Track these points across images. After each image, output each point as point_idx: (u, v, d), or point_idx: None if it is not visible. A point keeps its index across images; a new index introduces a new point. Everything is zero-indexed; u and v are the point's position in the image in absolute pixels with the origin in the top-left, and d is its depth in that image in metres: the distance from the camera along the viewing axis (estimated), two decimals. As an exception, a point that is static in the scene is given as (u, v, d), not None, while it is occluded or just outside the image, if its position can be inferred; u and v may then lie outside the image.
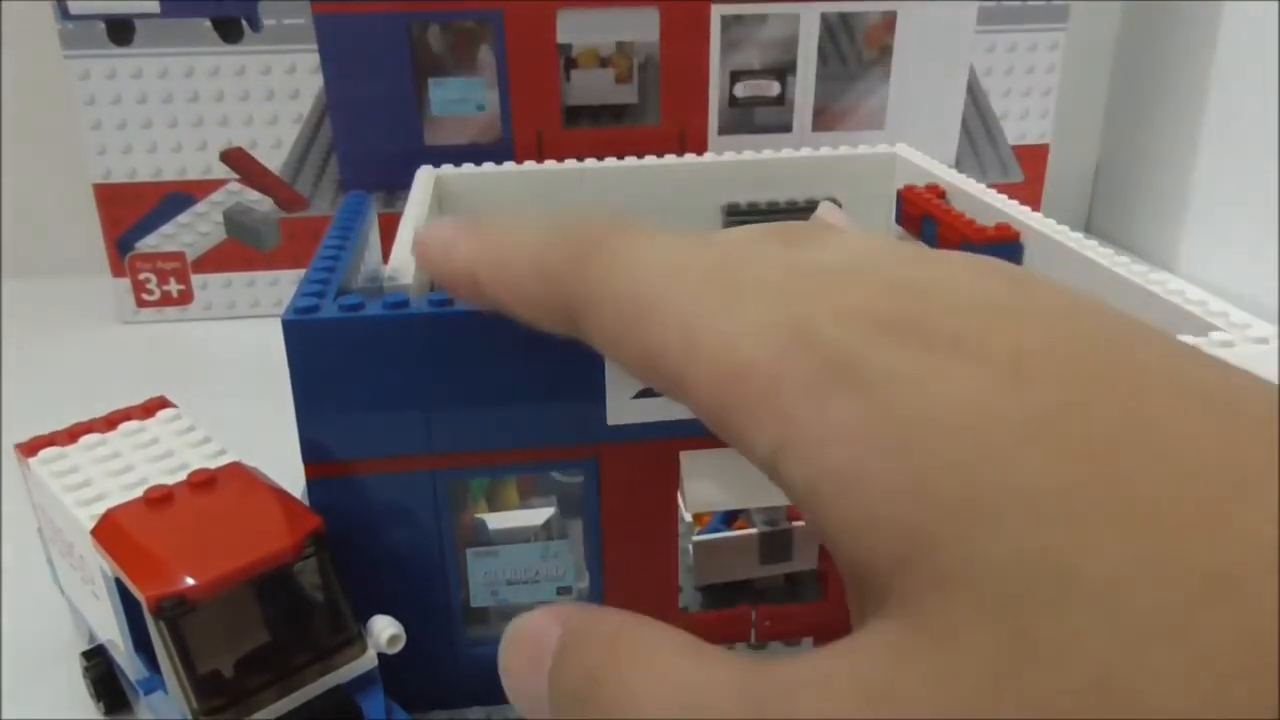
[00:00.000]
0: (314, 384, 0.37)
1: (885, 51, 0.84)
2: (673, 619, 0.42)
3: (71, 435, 0.43)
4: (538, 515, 0.48)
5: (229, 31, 0.78)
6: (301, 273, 0.91)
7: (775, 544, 0.47)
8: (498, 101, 0.80)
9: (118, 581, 0.36)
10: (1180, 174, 0.94)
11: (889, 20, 0.83)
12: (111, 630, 0.39)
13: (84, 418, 0.44)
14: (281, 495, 0.38)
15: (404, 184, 0.70)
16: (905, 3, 0.82)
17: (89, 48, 0.78)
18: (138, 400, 0.46)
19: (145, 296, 0.86)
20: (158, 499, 0.37)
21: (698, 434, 0.39)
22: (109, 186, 0.82)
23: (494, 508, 0.51)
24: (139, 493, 0.38)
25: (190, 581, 0.33)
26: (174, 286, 0.86)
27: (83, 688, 0.44)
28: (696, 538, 0.47)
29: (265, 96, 0.80)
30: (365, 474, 0.38)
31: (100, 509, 0.37)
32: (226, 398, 0.67)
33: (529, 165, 0.72)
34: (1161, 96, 0.96)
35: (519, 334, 0.37)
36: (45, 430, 0.43)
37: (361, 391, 0.37)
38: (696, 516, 0.49)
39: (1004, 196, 0.65)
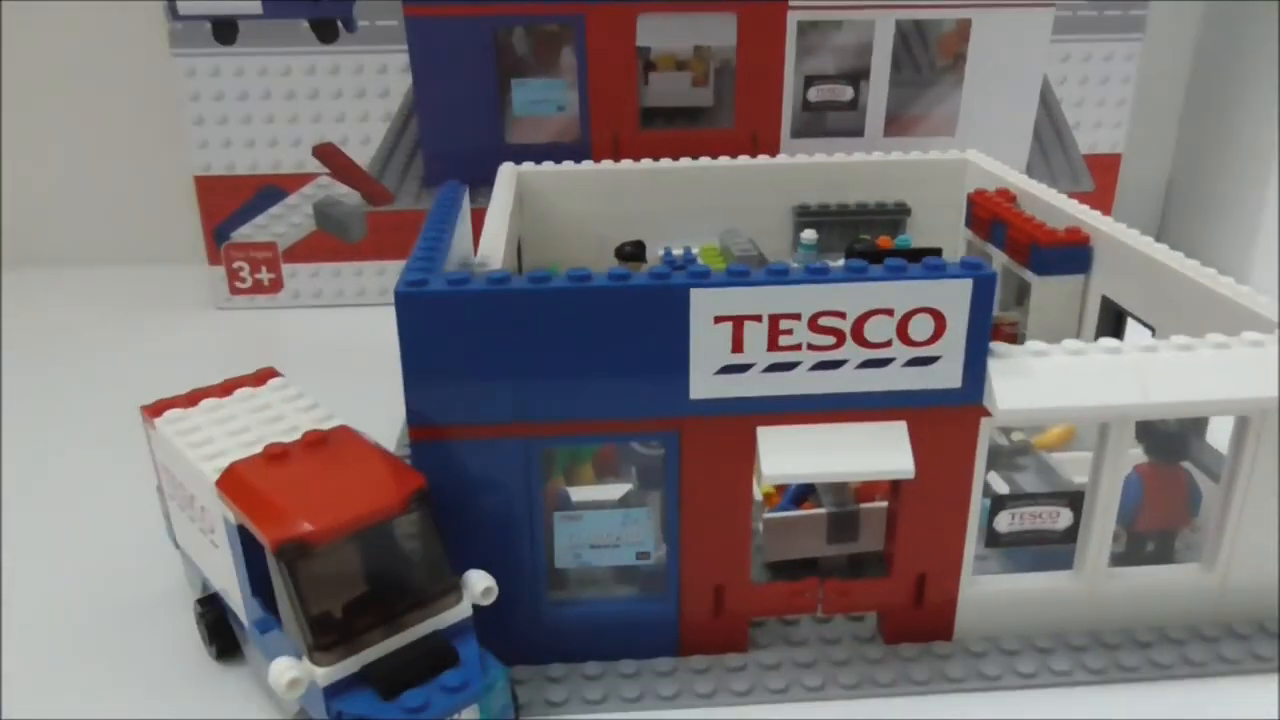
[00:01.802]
0: (421, 353, 0.40)
1: (959, 59, 0.85)
2: (743, 588, 0.45)
3: (191, 399, 0.47)
4: (615, 490, 0.50)
5: (325, 32, 0.83)
6: (385, 264, 0.95)
7: (843, 524, 0.49)
8: (577, 102, 0.82)
9: (240, 528, 0.39)
10: (1255, 188, 0.93)
11: (963, 28, 0.84)
12: (227, 577, 0.43)
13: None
14: (388, 456, 0.41)
15: (485, 179, 0.73)
16: (981, 11, 0.83)
17: (195, 46, 0.83)
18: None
19: (238, 284, 0.90)
20: (276, 455, 0.40)
21: (775, 410, 0.42)
22: (209, 179, 0.87)
23: (571, 485, 0.54)
24: (257, 450, 0.41)
25: (308, 527, 0.36)
26: (265, 275, 0.90)
27: (195, 634, 0.47)
28: (767, 515, 0.49)
29: (357, 95, 0.84)
30: (464, 439, 0.41)
31: (223, 463, 0.40)
32: (315, 378, 0.70)
33: (605, 164, 0.75)
34: (1238, 109, 0.96)
35: (611, 310, 0.40)
36: (152, 399, 0.47)
37: (464, 361, 0.40)
38: (766, 495, 0.51)
39: (1074, 201, 0.66)
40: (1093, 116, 0.89)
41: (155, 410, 0.46)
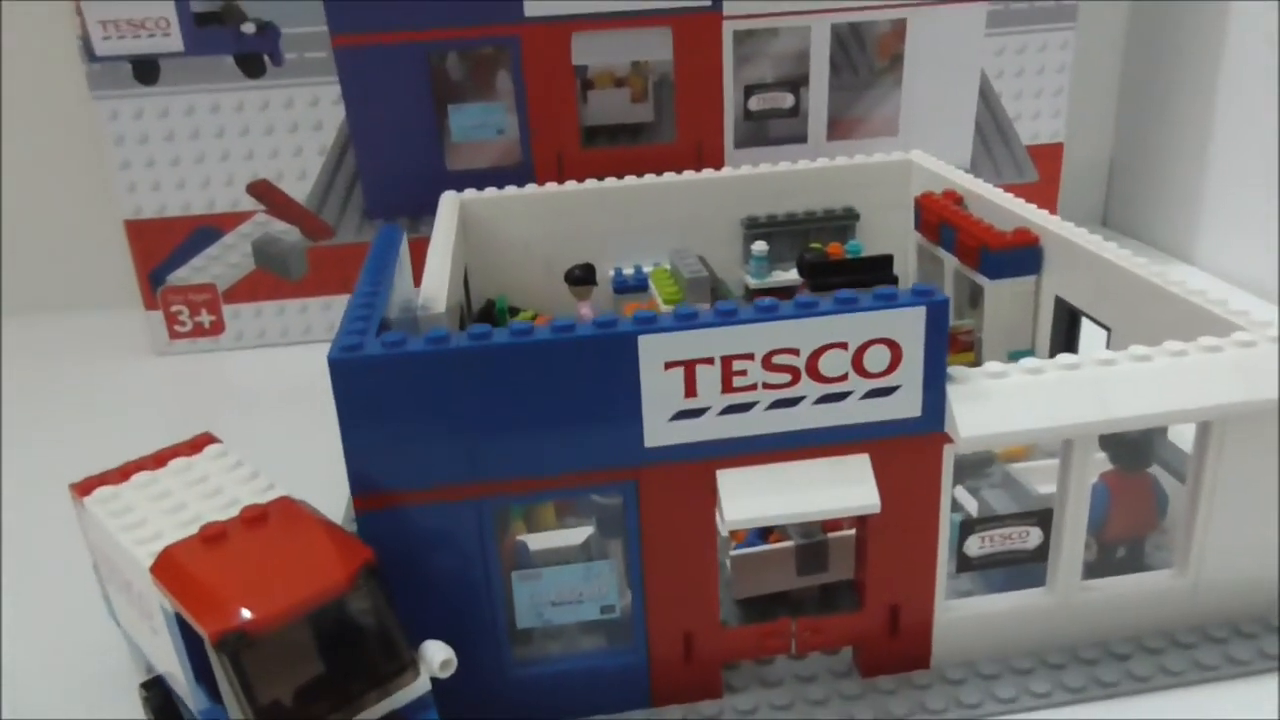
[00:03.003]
0: (361, 419, 0.38)
1: (896, 59, 0.85)
2: (714, 633, 0.43)
3: (123, 474, 0.44)
4: (576, 535, 0.49)
5: (252, 67, 0.80)
6: (329, 300, 0.92)
7: (812, 556, 0.48)
8: (517, 125, 0.81)
9: (178, 617, 0.37)
10: (1194, 165, 0.94)
11: (899, 29, 0.84)
12: (170, 662, 0.40)
13: (126, 450, 0.45)
14: (332, 528, 0.39)
15: (428, 209, 0.71)
16: (915, 9, 0.82)
17: (116, 88, 0.80)
18: (177, 431, 0.47)
19: (178, 328, 0.87)
20: (213, 536, 0.38)
21: (734, 452, 0.40)
22: (140, 222, 0.84)
23: (531, 528, 0.52)
24: (194, 529, 0.39)
25: (249, 615, 0.34)
26: (205, 317, 0.87)
27: (141, 717, 0.45)
28: (734, 552, 0.48)
29: (289, 129, 0.82)
30: (412, 504, 0.39)
31: (157, 547, 0.38)
32: (261, 425, 0.68)
33: (550, 186, 0.73)
34: (1172, 89, 0.96)
35: (557, 363, 0.38)
36: (89, 462, 0.45)
37: (407, 425, 0.38)
38: (733, 532, 0.50)
39: (1021, 200, 0.65)
40: (1032, 107, 0.90)
41: (84, 489, 0.44)
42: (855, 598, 0.45)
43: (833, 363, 0.39)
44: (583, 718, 0.44)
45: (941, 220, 0.69)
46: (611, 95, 0.83)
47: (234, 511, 0.40)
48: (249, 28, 0.78)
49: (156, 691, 0.44)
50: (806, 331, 0.39)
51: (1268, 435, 0.44)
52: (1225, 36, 0.89)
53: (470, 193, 0.72)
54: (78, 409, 0.79)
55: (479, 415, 0.38)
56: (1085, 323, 0.60)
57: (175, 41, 0.79)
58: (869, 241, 0.75)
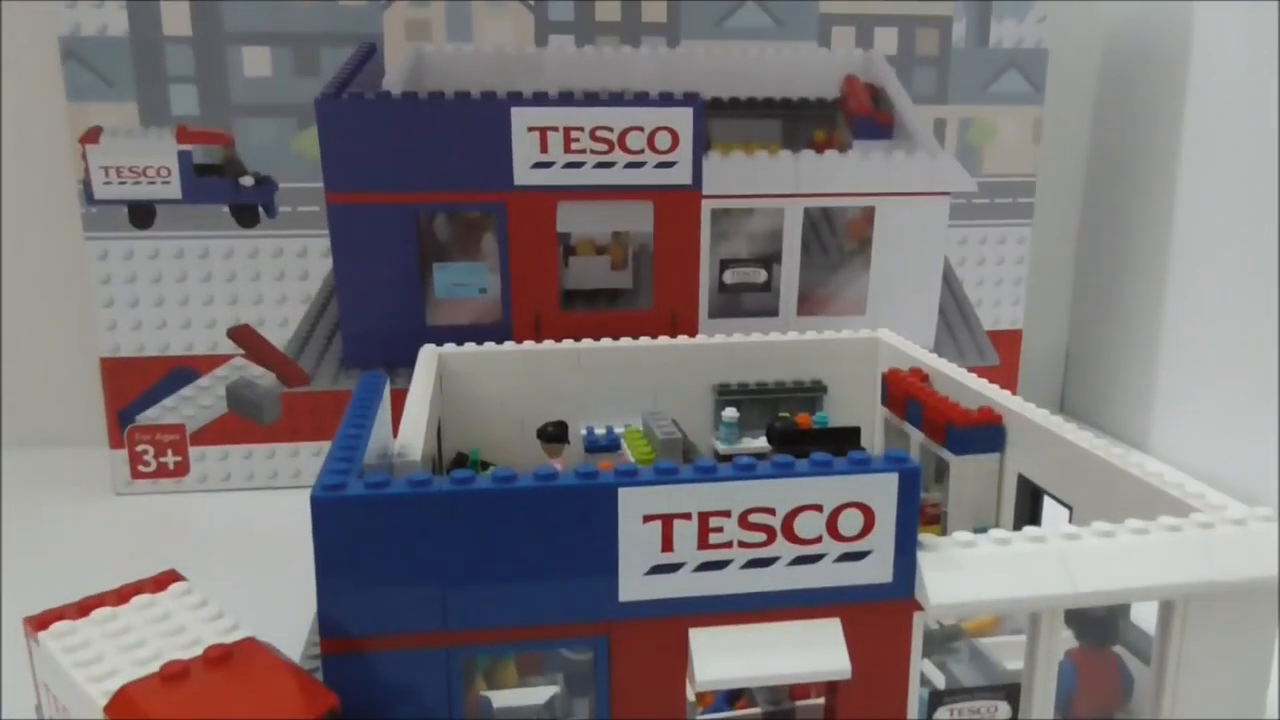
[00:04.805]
0: (338, 560, 0.38)
1: (865, 243, 0.89)
2: (681, 802, 0.42)
3: (82, 609, 0.43)
4: (540, 694, 0.48)
5: (246, 217, 0.83)
6: (298, 446, 0.92)
7: (779, 724, 0.47)
8: (499, 284, 0.83)
9: (129, 761, 0.35)
10: (1147, 355, 0.99)
11: (868, 214, 0.89)
12: (112, 814, 0.38)
13: (79, 589, 0.44)
14: (297, 672, 0.38)
15: (405, 361, 0.72)
16: (882, 199, 0.87)
17: (109, 230, 0.82)
18: (134, 573, 0.46)
19: (141, 468, 0.86)
20: (173, 675, 0.37)
21: (707, 610, 0.40)
22: (116, 360, 0.84)
23: (492, 686, 0.51)
24: (154, 668, 0.38)
25: (207, 761, 0.33)
26: (171, 458, 0.87)
27: None
28: (701, 718, 0.47)
29: (276, 277, 0.84)
30: (381, 650, 0.39)
31: (113, 685, 0.37)
32: (218, 567, 0.66)
33: (528, 345, 0.75)
34: (1124, 283, 1.02)
35: (537, 511, 0.39)
36: (41, 601, 0.43)
37: (383, 568, 0.38)
38: (700, 696, 0.49)
39: (984, 380, 0.68)
40: (993, 294, 0.94)
41: (40, 623, 0.42)
42: (823, 770, 0.44)
43: (807, 524, 0.40)
44: None
45: (908, 396, 0.71)
46: (592, 262, 0.87)
47: (197, 651, 0.39)
48: (247, 180, 0.82)
49: None
50: (783, 491, 0.39)
51: (1229, 617, 0.45)
52: (1172, 232, 0.95)
53: (449, 347, 0.74)
54: (31, 548, 0.76)
55: (456, 561, 0.38)
56: (1048, 501, 0.62)
57: (174, 189, 0.82)
58: (836, 414, 0.77)
